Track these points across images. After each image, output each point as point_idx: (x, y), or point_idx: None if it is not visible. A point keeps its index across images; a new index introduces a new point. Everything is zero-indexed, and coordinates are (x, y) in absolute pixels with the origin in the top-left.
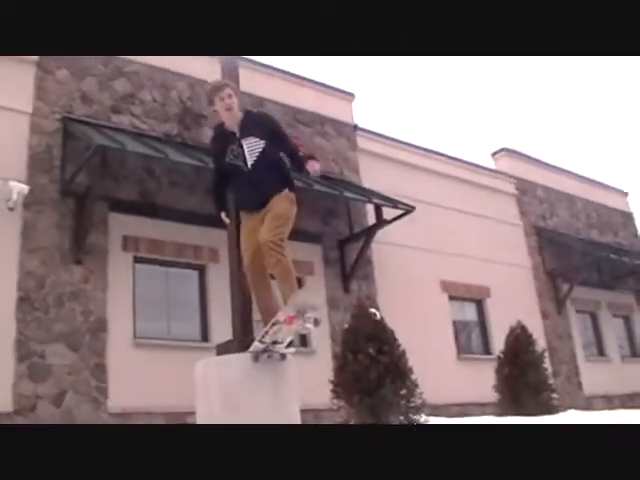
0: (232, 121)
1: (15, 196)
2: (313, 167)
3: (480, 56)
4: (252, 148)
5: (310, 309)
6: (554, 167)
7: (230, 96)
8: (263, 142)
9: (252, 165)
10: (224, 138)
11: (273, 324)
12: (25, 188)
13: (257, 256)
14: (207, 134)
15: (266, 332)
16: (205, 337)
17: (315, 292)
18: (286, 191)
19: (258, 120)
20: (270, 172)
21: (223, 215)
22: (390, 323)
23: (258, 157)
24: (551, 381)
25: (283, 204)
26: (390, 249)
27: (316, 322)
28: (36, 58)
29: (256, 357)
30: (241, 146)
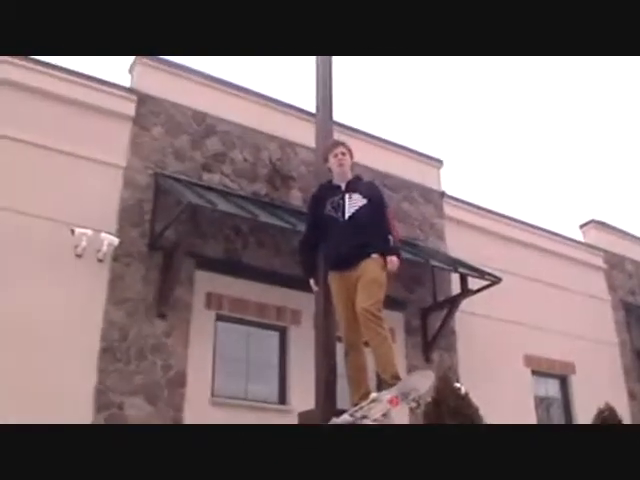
0: (341, 178)
1: (105, 248)
2: (392, 264)
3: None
4: (354, 202)
5: (415, 393)
6: None
7: (344, 154)
8: (365, 201)
9: (350, 217)
10: (328, 191)
11: (372, 401)
12: (115, 240)
13: (353, 323)
14: (295, 195)
15: (361, 407)
16: (283, 399)
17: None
18: (376, 256)
19: (366, 185)
20: (366, 229)
21: (312, 282)
22: (471, 395)
23: (357, 211)
24: None
25: (375, 270)
26: (473, 319)
27: (418, 404)
28: (133, 114)
29: None
30: (343, 198)
